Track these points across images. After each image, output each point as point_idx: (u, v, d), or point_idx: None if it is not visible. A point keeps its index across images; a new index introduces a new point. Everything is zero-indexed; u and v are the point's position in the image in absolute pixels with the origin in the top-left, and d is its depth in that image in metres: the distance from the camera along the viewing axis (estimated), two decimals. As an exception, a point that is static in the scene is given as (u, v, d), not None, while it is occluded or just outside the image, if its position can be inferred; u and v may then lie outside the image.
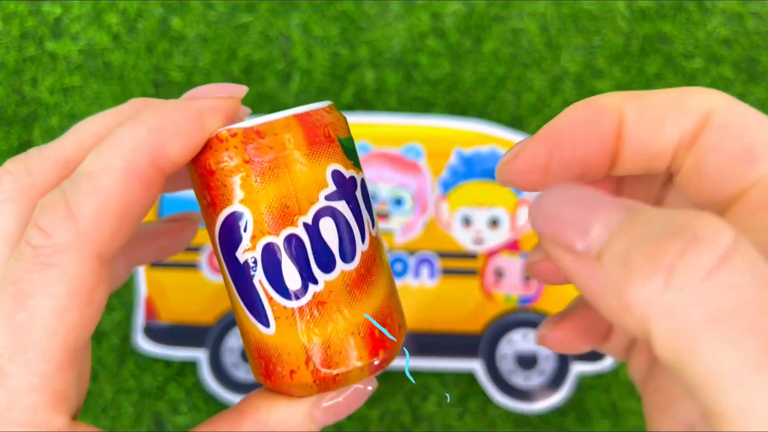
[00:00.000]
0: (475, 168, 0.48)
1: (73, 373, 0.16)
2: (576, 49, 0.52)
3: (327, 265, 0.18)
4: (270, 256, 0.18)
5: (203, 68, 0.51)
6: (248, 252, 0.18)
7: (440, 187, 0.48)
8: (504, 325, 0.47)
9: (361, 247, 0.18)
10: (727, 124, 0.17)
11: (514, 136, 0.49)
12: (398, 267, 0.47)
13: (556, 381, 0.47)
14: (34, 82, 0.51)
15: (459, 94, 0.51)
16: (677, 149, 0.17)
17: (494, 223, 0.48)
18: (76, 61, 0.51)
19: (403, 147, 0.48)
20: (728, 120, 0.17)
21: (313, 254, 0.18)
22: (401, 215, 0.48)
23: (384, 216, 0.48)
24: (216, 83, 0.19)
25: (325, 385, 0.18)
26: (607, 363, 0.47)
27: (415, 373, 0.48)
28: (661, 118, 0.18)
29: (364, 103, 0.51)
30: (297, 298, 0.18)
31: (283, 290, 0.18)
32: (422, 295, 0.47)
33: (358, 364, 0.18)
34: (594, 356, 0.47)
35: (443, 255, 0.48)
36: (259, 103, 0.51)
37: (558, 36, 0.52)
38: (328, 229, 0.18)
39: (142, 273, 0.48)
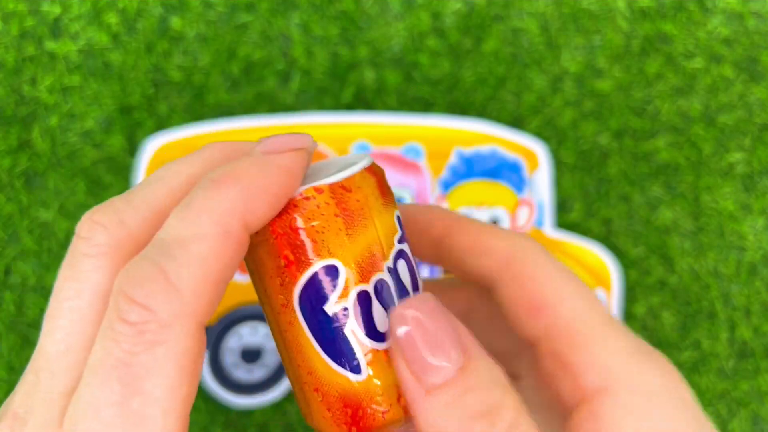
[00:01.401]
0: (476, 168, 0.48)
1: None
2: (576, 49, 0.52)
3: (404, 299, 0.19)
4: (363, 304, 0.18)
5: (203, 68, 0.51)
6: (340, 303, 0.18)
7: (440, 186, 0.48)
8: (504, 325, 0.47)
9: (419, 278, 0.21)
10: (518, 275, 0.19)
11: (514, 136, 0.49)
12: (398, 267, 0.47)
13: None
14: (34, 81, 0.51)
15: (459, 93, 0.51)
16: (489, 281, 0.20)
17: (494, 222, 0.48)
18: (76, 61, 0.51)
19: (403, 147, 0.48)
20: (521, 270, 0.19)
21: (396, 294, 0.19)
22: (401, 215, 0.48)
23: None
24: (286, 134, 0.19)
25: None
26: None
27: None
28: (473, 251, 0.20)
29: (364, 102, 0.51)
30: (386, 339, 0.18)
31: (375, 334, 0.18)
32: (422, 296, 0.47)
33: None
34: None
35: (443, 255, 0.48)
36: (258, 104, 0.51)
37: (558, 35, 0.52)
38: (403, 269, 0.19)
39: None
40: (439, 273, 0.47)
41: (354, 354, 0.18)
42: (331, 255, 0.18)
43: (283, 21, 0.51)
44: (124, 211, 0.17)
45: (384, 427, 0.19)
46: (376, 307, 0.18)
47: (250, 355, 0.47)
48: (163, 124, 0.50)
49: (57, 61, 0.51)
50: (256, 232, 0.18)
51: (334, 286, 0.18)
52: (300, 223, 0.18)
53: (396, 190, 0.48)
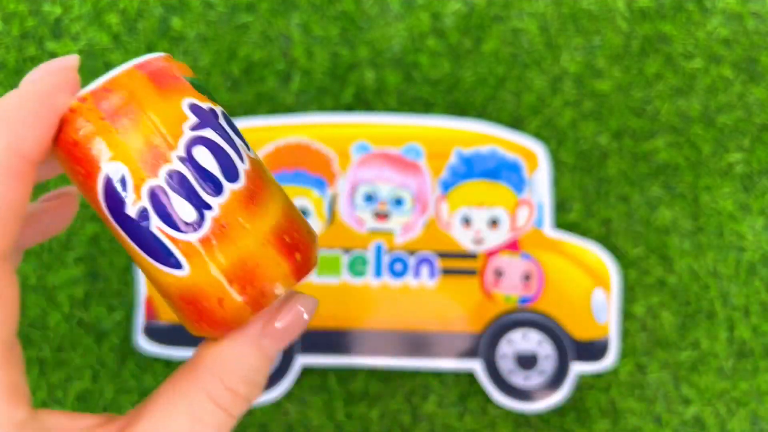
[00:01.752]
0: (475, 168, 0.48)
1: (17, 365, 0.16)
2: (576, 49, 0.52)
3: (215, 189, 0.19)
4: (158, 199, 0.18)
5: (203, 68, 0.51)
6: (136, 204, 0.18)
7: (440, 187, 0.48)
8: (504, 325, 0.47)
9: (242, 167, 0.19)
10: None
11: (514, 136, 0.49)
12: (398, 267, 0.47)
13: (555, 381, 0.47)
14: (35, 82, 0.51)
15: (459, 94, 0.51)
16: None
17: (494, 223, 0.48)
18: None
19: (403, 147, 0.48)
20: None
21: (197, 182, 0.18)
22: (401, 215, 0.48)
23: (384, 216, 0.48)
24: (46, 62, 0.19)
25: (256, 302, 0.19)
26: (606, 363, 0.47)
27: (415, 373, 0.48)
28: None
29: (364, 103, 0.51)
30: (197, 228, 0.18)
31: (182, 225, 0.18)
32: (422, 295, 0.47)
33: (278, 269, 0.19)
34: (594, 356, 0.47)
35: (443, 255, 0.48)
36: (258, 104, 0.51)
37: (558, 36, 0.52)
38: (203, 156, 0.19)
39: (142, 273, 0.48)
40: (439, 274, 0.48)
41: (169, 250, 0.18)
42: (111, 159, 0.18)
43: (284, 21, 0.51)
44: None
45: (228, 318, 0.19)
46: (175, 199, 0.18)
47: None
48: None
49: (58, 62, 0.51)
50: (58, 152, 0.19)
51: (125, 187, 0.18)
52: (75, 136, 0.18)
53: (396, 190, 0.48)
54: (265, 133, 0.49)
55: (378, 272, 0.47)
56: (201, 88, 0.20)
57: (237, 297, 0.19)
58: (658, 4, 0.52)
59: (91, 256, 0.49)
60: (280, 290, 0.19)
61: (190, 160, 0.18)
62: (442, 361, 0.47)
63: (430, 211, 0.48)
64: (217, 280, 0.18)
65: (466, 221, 0.48)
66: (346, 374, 0.48)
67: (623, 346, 0.49)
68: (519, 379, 0.47)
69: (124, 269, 0.49)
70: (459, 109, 0.51)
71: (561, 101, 0.51)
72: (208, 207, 0.18)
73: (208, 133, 0.19)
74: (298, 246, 0.20)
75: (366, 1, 0.52)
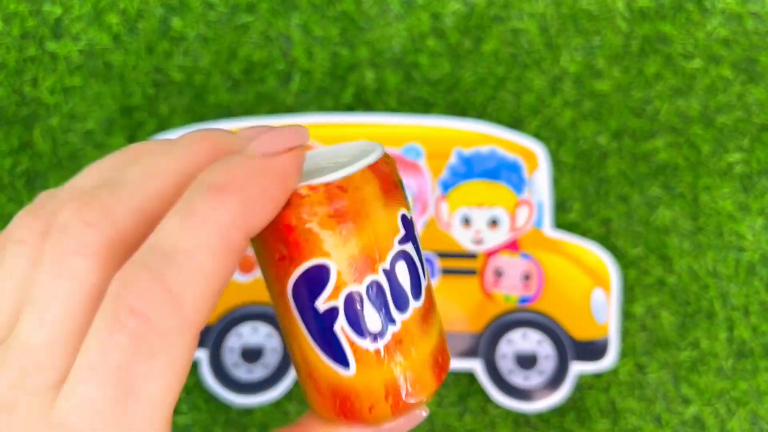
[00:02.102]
0: (475, 168, 0.48)
1: None
2: (575, 50, 0.52)
3: (402, 306, 0.19)
4: (353, 304, 0.18)
5: (203, 68, 0.51)
6: (330, 301, 0.18)
7: (440, 187, 0.48)
8: (503, 324, 0.47)
9: (424, 282, 0.20)
10: None
11: (514, 137, 0.49)
12: (398, 267, 0.47)
13: (555, 380, 0.47)
14: (35, 82, 0.51)
15: (459, 94, 0.51)
16: None
17: (494, 223, 0.48)
18: (77, 62, 0.51)
19: (403, 147, 0.48)
20: None
21: (392, 297, 0.19)
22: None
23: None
24: (277, 128, 0.18)
25: (400, 413, 0.20)
26: (606, 363, 0.47)
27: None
28: None
29: (364, 103, 0.51)
30: (377, 339, 0.19)
31: (365, 334, 0.19)
32: (422, 295, 0.47)
33: (430, 389, 0.20)
34: (594, 356, 0.47)
35: (443, 255, 0.48)
36: (259, 104, 0.51)
37: (557, 36, 0.52)
38: (402, 272, 0.19)
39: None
40: (439, 274, 0.48)
41: (342, 350, 0.19)
42: (322, 254, 0.18)
43: (284, 22, 0.51)
44: (115, 210, 0.17)
45: (370, 421, 0.19)
46: (368, 308, 0.18)
47: (251, 355, 0.47)
48: (163, 124, 0.50)
49: (58, 62, 0.51)
50: None
51: (325, 285, 0.18)
52: (293, 221, 0.18)
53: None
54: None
55: (378, 272, 0.47)
56: (405, 192, 0.20)
57: (388, 409, 0.19)
58: (658, 5, 0.52)
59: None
60: (422, 409, 0.20)
61: (391, 274, 0.19)
62: (442, 361, 0.47)
63: (430, 211, 0.48)
64: (376, 390, 0.19)
65: (466, 221, 0.48)
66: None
67: (623, 346, 0.49)
68: (519, 378, 0.47)
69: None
70: (459, 109, 0.51)
71: (561, 101, 0.51)
72: (393, 322, 0.19)
73: (409, 247, 0.19)
74: (445, 366, 0.21)
75: (366, 1, 0.52)
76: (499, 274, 0.47)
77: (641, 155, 0.51)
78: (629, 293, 0.49)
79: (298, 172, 0.18)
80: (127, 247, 0.16)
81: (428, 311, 0.20)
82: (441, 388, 0.48)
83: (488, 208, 0.48)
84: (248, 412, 0.48)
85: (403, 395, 0.19)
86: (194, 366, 0.48)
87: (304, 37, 0.51)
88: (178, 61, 0.51)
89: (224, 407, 0.47)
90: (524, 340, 0.47)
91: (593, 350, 0.47)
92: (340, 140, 0.49)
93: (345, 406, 0.19)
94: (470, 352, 0.47)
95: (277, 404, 0.48)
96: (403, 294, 0.19)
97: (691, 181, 0.51)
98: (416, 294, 0.19)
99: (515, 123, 0.51)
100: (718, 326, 0.50)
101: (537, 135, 0.50)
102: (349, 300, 0.18)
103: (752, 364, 0.49)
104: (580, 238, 0.49)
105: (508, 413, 0.48)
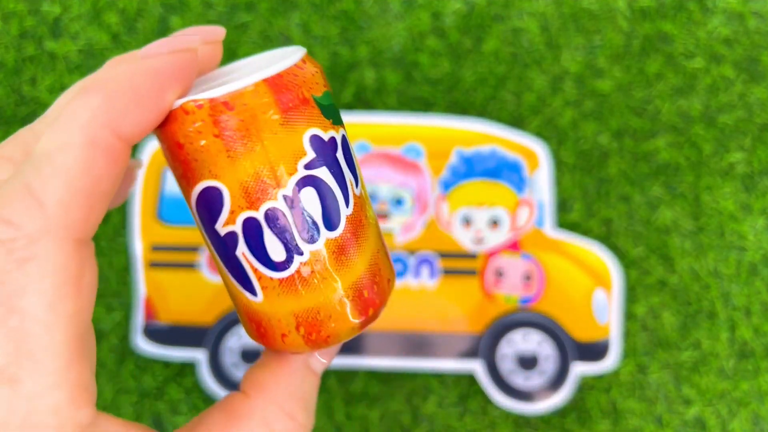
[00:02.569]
0: (476, 168, 0.48)
1: (86, 362, 0.16)
2: (576, 49, 0.52)
3: (311, 236, 0.17)
4: (251, 231, 0.17)
5: (203, 68, 0.51)
6: (228, 226, 0.17)
7: (440, 186, 0.48)
8: (504, 325, 0.47)
9: (345, 212, 0.18)
10: None
11: (514, 136, 0.49)
12: (398, 267, 0.47)
13: (556, 381, 0.47)
14: (34, 81, 0.51)
15: (459, 93, 0.51)
16: None
17: (494, 223, 0.48)
18: (76, 61, 0.51)
19: (404, 147, 0.48)
20: None
21: (296, 226, 0.17)
22: (401, 215, 0.48)
23: (384, 216, 0.48)
24: (174, 34, 0.18)
25: (316, 345, 0.18)
26: (607, 364, 0.47)
27: (415, 374, 0.48)
28: None
29: (364, 102, 0.51)
30: (283, 269, 0.17)
31: (267, 263, 0.17)
32: (422, 296, 0.47)
33: (348, 324, 0.18)
34: (595, 356, 0.47)
35: (443, 255, 0.47)
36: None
37: (558, 35, 0.52)
38: (310, 200, 0.17)
39: (141, 273, 0.47)
40: (439, 274, 0.47)
41: (248, 277, 0.18)
42: (213, 176, 0.17)
43: (283, 21, 0.51)
44: (30, 143, 0.17)
45: (286, 348, 0.19)
46: (268, 236, 0.17)
47: (251, 355, 0.47)
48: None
49: (57, 61, 0.51)
50: (160, 138, 0.17)
51: (220, 208, 0.17)
52: (181, 138, 0.17)
53: (396, 190, 0.48)
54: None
55: (378, 272, 0.47)
56: (328, 108, 0.18)
57: (300, 339, 0.18)
58: (659, 4, 0.52)
59: (90, 256, 0.49)
60: (342, 340, 0.19)
61: (294, 201, 0.17)
62: (442, 362, 0.47)
63: (431, 211, 0.48)
64: (286, 319, 0.18)
65: (467, 221, 0.48)
66: (346, 375, 0.48)
67: (624, 347, 0.49)
68: (519, 379, 0.47)
69: (123, 270, 0.49)
70: (459, 108, 0.51)
71: (561, 101, 0.51)
72: (300, 252, 0.17)
73: (322, 172, 0.17)
74: (374, 301, 0.19)
75: (366, 0, 0.52)
76: (499, 274, 0.47)
77: (642, 155, 0.51)
78: (630, 293, 0.49)
79: (176, 72, 0.16)
80: None
81: (350, 243, 0.18)
82: (441, 389, 0.48)
83: (489, 208, 0.48)
84: (248, 412, 0.48)
85: (316, 326, 0.18)
86: (193, 367, 0.48)
87: (304, 37, 0.51)
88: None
89: (224, 408, 0.47)
90: (525, 340, 0.47)
91: (594, 351, 0.47)
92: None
93: (260, 331, 0.19)
94: (471, 353, 0.47)
95: (277, 405, 0.48)
96: (312, 224, 0.17)
97: (693, 180, 0.51)
98: (331, 224, 0.18)
99: (516, 122, 0.51)
100: (719, 326, 0.49)
101: (538, 134, 0.50)
102: (247, 226, 0.17)
103: (754, 365, 0.49)
104: (581, 238, 0.49)
105: (508, 414, 0.48)
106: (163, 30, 0.51)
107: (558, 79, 0.51)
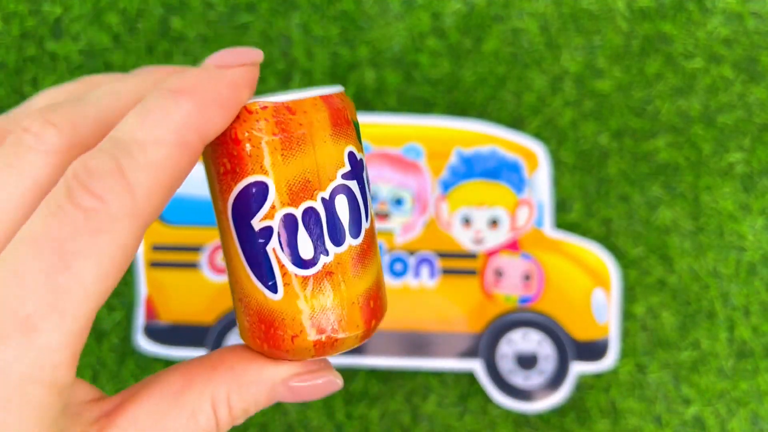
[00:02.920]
0: (475, 168, 0.48)
1: (87, 333, 0.17)
2: (576, 49, 0.52)
3: (338, 239, 0.19)
4: (287, 226, 0.19)
5: (203, 68, 0.51)
6: (265, 220, 0.19)
7: (440, 187, 0.48)
8: (504, 325, 0.47)
9: (365, 225, 0.20)
10: None
11: (514, 137, 0.49)
12: (398, 267, 0.47)
13: (555, 381, 0.47)
14: (35, 82, 0.51)
15: (459, 93, 0.51)
16: None
17: (494, 223, 0.48)
18: (77, 62, 0.51)
19: (403, 147, 0.48)
20: None
21: (327, 228, 0.19)
22: (401, 215, 0.48)
23: (384, 216, 0.48)
24: (233, 48, 0.20)
25: (323, 350, 0.20)
26: (606, 363, 0.47)
27: (415, 373, 0.48)
28: None
29: (364, 102, 0.51)
30: (308, 267, 0.19)
31: (296, 259, 0.19)
32: (422, 295, 0.47)
33: (356, 331, 0.20)
34: (594, 356, 0.47)
35: (443, 255, 0.48)
36: (259, 103, 0.51)
37: (558, 36, 0.52)
38: (341, 206, 0.19)
39: (142, 273, 0.48)
40: (439, 274, 0.48)
41: (272, 272, 0.19)
42: (263, 172, 0.18)
43: (284, 21, 0.51)
44: (78, 116, 0.18)
45: (291, 352, 0.20)
46: (302, 234, 0.19)
47: (251, 355, 0.47)
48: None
49: (58, 62, 0.51)
50: None
51: (263, 202, 0.18)
52: (240, 135, 0.19)
53: (396, 190, 0.48)
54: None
55: (378, 272, 0.47)
56: (359, 135, 0.21)
57: (309, 342, 0.19)
58: (659, 4, 0.52)
59: (91, 256, 0.49)
60: (346, 349, 0.20)
61: (330, 204, 0.19)
62: (442, 361, 0.47)
63: (430, 211, 0.48)
64: (302, 319, 0.19)
65: (466, 221, 0.48)
66: (346, 374, 0.48)
67: (623, 346, 0.49)
68: (519, 379, 0.47)
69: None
70: (459, 109, 0.51)
71: (561, 101, 0.51)
72: (326, 253, 0.19)
73: (353, 185, 0.20)
74: (377, 313, 0.21)
75: (366, 0, 0.52)
76: (499, 274, 0.47)
77: (642, 155, 0.51)
78: (630, 293, 0.49)
79: (249, 85, 0.19)
80: (84, 151, 0.17)
81: (366, 253, 0.20)
82: (441, 388, 0.48)
83: (488, 208, 0.48)
84: (248, 412, 0.48)
85: (327, 329, 0.19)
86: (194, 366, 0.48)
87: (304, 37, 0.51)
88: (179, 60, 0.51)
89: (224, 407, 0.48)
90: (524, 340, 0.47)
91: (594, 350, 0.47)
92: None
93: (269, 332, 0.19)
94: (470, 353, 0.47)
95: (277, 404, 0.48)
96: (341, 228, 0.19)
97: (692, 181, 0.51)
98: (355, 232, 0.20)
99: (516, 123, 0.51)
100: (718, 326, 0.50)
101: (537, 135, 0.50)
102: (284, 222, 0.19)
103: (753, 365, 0.49)
104: (580, 238, 0.49)
105: (508, 413, 0.48)
106: (163, 31, 0.51)
107: (558, 80, 0.51)
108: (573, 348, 0.47)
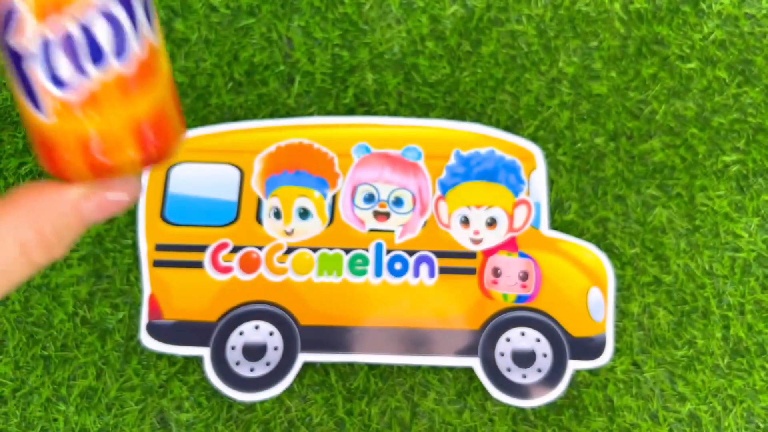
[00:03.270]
0: (474, 169, 0.49)
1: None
2: (573, 52, 0.52)
3: (98, 60, 0.19)
4: (42, 47, 0.19)
5: (206, 70, 0.51)
6: (18, 37, 0.19)
7: (439, 187, 0.49)
8: (502, 323, 0.48)
9: (135, 50, 0.20)
10: None
11: (512, 138, 0.49)
12: (398, 266, 0.48)
13: (553, 378, 0.47)
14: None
15: (458, 95, 0.51)
16: None
17: (492, 223, 0.48)
18: (81, 64, 0.51)
19: (403, 148, 0.49)
20: None
21: (85, 48, 0.19)
22: (401, 215, 0.48)
23: (384, 216, 0.48)
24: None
25: (100, 172, 0.21)
26: (603, 361, 0.48)
27: (415, 370, 0.49)
28: None
29: (364, 104, 0.51)
30: (69, 88, 0.19)
31: (55, 80, 0.19)
32: (421, 294, 0.48)
33: (130, 155, 0.21)
34: (591, 354, 0.48)
35: (442, 254, 0.48)
36: (260, 105, 0.51)
37: (555, 38, 0.52)
38: (100, 28, 0.19)
39: (145, 271, 0.48)
40: (438, 273, 0.48)
41: (37, 94, 0.19)
42: None
43: (285, 24, 0.52)
44: None
45: (73, 174, 0.21)
46: (58, 54, 0.19)
47: (253, 352, 0.48)
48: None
49: (62, 64, 0.51)
50: None
51: (13, 18, 0.19)
52: None
53: (396, 191, 0.49)
54: (267, 134, 0.49)
55: (378, 271, 0.48)
56: None
57: (83, 164, 0.20)
58: (655, 7, 0.53)
59: (95, 256, 0.50)
60: (125, 173, 0.21)
61: (87, 26, 0.19)
62: (441, 359, 0.47)
63: (430, 211, 0.49)
64: (73, 140, 0.20)
65: (465, 221, 0.48)
66: (346, 371, 0.49)
67: (620, 345, 0.49)
68: (517, 376, 0.48)
69: (128, 269, 0.49)
70: (458, 110, 0.51)
71: (558, 103, 0.52)
72: (86, 75, 0.19)
73: (118, 10, 0.19)
74: (155, 144, 0.21)
75: (366, 3, 0.52)
76: (497, 273, 0.48)
77: (638, 156, 0.51)
78: (626, 292, 0.50)
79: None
80: None
81: (138, 80, 0.20)
82: (440, 385, 0.49)
83: (487, 209, 0.49)
84: (251, 410, 0.48)
85: (95, 151, 0.20)
86: (196, 364, 0.48)
87: (305, 40, 0.52)
88: (181, 63, 0.51)
89: (227, 404, 0.48)
90: (522, 338, 0.48)
91: (590, 348, 0.48)
92: (341, 141, 0.49)
93: (49, 155, 0.21)
94: (469, 350, 0.47)
95: (279, 401, 0.48)
96: (100, 49, 0.19)
97: (688, 181, 0.51)
98: (120, 55, 0.20)
99: (514, 124, 0.51)
100: (714, 325, 0.50)
101: (535, 136, 0.51)
102: (40, 42, 0.19)
103: (748, 363, 0.50)
104: (577, 237, 0.49)
105: (506, 410, 0.48)
106: (166, 33, 0.51)
107: (555, 82, 0.52)
108: (570, 346, 0.48)
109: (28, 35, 0.19)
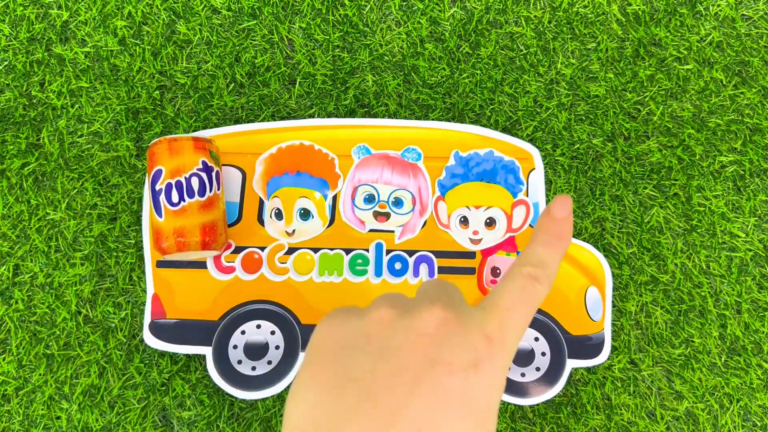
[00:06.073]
0: (473, 170, 0.49)
1: None
2: (571, 53, 0.53)
3: (191, 195, 0.45)
4: (168, 187, 0.45)
5: (207, 71, 0.52)
6: (160, 185, 0.45)
7: (439, 188, 0.49)
8: (501, 322, 0.48)
9: (208, 194, 0.46)
10: None
11: (510, 139, 0.50)
12: (398, 266, 0.48)
13: (551, 376, 0.48)
14: (42, 85, 0.52)
15: (457, 97, 0.52)
16: None
17: (491, 223, 0.49)
18: (83, 65, 0.52)
19: (403, 149, 0.49)
20: None
21: (186, 189, 0.45)
22: (401, 216, 0.49)
23: (384, 216, 0.49)
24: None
25: (180, 248, 0.45)
26: (601, 359, 0.48)
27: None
28: None
29: (364, 105, 0.52)
30: (175, 206, 0.45)
31: (170, 202, 0.45)
32: (421, 293, 0.48)
33: (196, 240, 0.45)
34: (589, 352, 0.48)
35: (442, 254, 0.49)
36: (262, 106, 0.51)
37: (554, 40, 0.53)
38: (194, 181, 0.45)
39: (149, 271, 0.49)
40: (437, 273, 0.48)
41: (161, 208, 0.45)
42: (160, 165, 0.45)
43: (286, 26, 0.52)
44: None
45: (166, 249, 0.45)
46: (174, 192, 0.45)
47: (254, 351, 0.48)
48: (169, 126, 0.51)
49: (65, 65, 0.52)
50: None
51: (160, 177, 0.45)
52: (153, 149, 0.46)
53: (396, 191, 0.49)
54: (268, 135, 0.50)
55: (378, 271, 0.48)
56: (215, 158, 0.47)
57: (174, 244, 0.45)
58: (652, 9, 0.53)
59: (98, 255, 0.50)
60: (191, 250, 0.45)
61: (188, 180, 0.45)
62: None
63: (429, 212, 0.49)
64: (169, 231, 0.45)
65: (464, 221, 0.49)
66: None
67: (617, 343, 0.50)
68: (515, 374, 0.48)
69: (131, 268, 0.50)
70: (457, 111, 0.52)
71: (556, 104, 0.52)
72: (185, 201, 0.45)
73: (203, 175, 0.46)
74: (209, 244, 0.46)
75: (366, 6, 0.52)
76: (496, 272, 0.48)
77: (635, 156, 0.52)
78: (624, 291, 0.50)
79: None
80: None
81: (206, 207, 0.45)
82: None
83: (485, 209, 0.49)
84: (253, 408, 0.49)
85: (181, 237, 0.45)
86: (198, 362, 0.49)
87: (307, 42, 0.52)
88: (183, 64, 0.52)
89: (228, 402, 0.48)
90: (521, 337, 0.48)
91: (588, 347, 0.48)
92: (342, 143, 0.50)
93: (157, 238, 0.45)
94: (468, 349, 0.48)
95: (281, 399, 0.49)
96: (192, 191, 0.45)
97: (685, 181, 0.51)
98: (201, 194, 0.45)
99: (512, 125, 0.51)
100: (710, 324, 0.50)
101: (533, 137, 0.51)
102: (167, 185, 0.45)
103: (744, 361, 0.50)
104: (575, 237, 0.50)
105: (505, 408, 0.49)
106: (169, 35, 0.52)
107: (553, 83, 0.52)
108: (568, 344, 0.48)
109: (164, 183, 0.45)
